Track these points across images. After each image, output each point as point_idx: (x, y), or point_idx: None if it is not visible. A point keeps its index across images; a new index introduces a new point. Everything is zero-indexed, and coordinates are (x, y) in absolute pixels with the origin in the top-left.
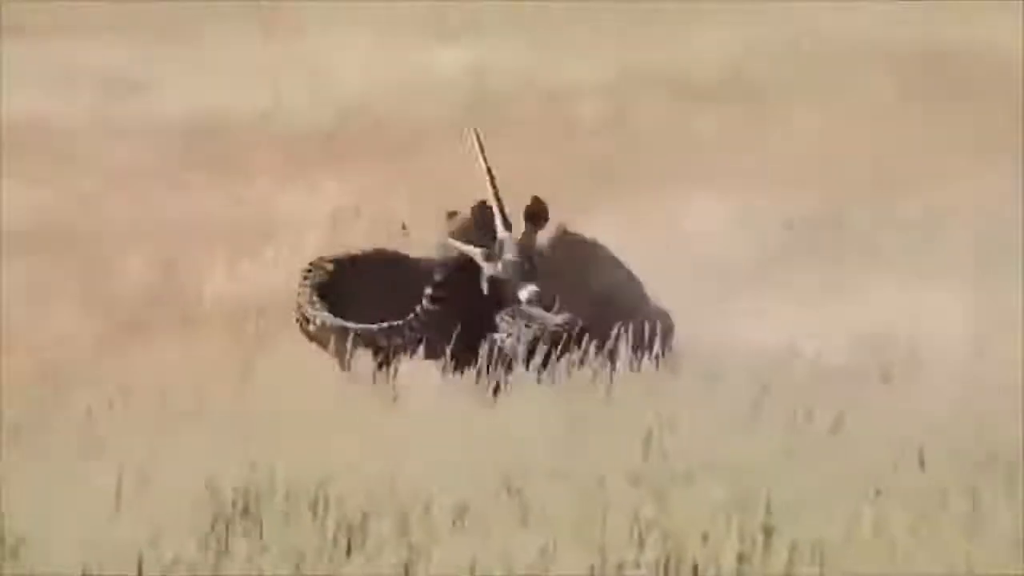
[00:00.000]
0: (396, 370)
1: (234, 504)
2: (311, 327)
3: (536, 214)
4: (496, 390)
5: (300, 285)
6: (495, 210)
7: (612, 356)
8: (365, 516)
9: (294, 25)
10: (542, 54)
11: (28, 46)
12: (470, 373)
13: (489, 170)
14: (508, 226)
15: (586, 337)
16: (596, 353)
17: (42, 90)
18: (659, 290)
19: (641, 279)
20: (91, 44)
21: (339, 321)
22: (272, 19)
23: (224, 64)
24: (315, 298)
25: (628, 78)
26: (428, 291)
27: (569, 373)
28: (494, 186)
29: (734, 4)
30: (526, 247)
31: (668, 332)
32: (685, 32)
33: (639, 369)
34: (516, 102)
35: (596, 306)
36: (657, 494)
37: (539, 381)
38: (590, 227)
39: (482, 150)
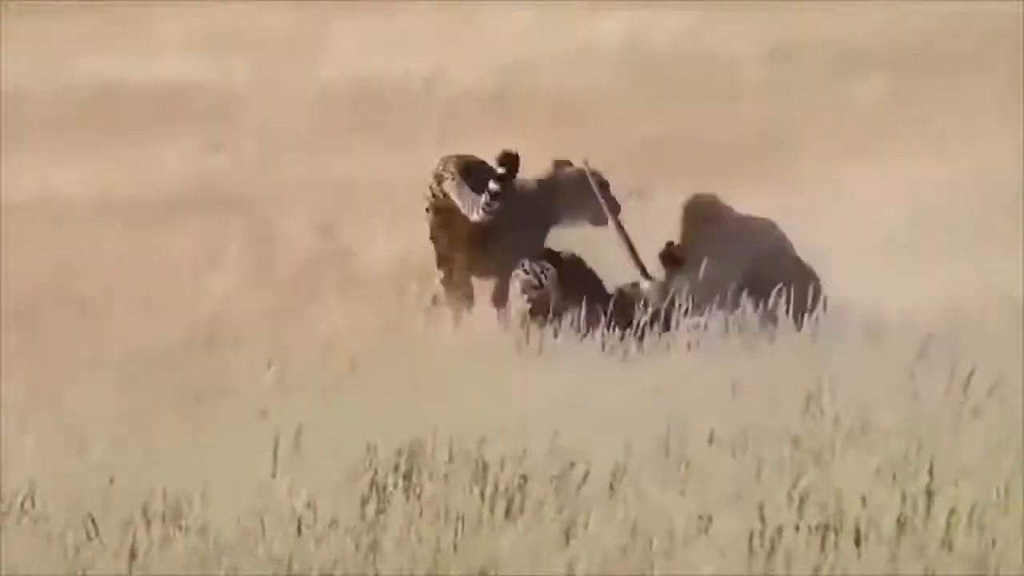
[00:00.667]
0: (556, 332)
1: (393, 467)
2: (443, 188)
3: (673, 258)
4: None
5: (436, 170)
6: (634, 262)
7: (772, 318)
8: (524, 479)
9: None
10: (702, 21)
11: (193, 11)
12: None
13: (620, 225)
14: (648, 276)
15: (744, 296)
16: (755, 314)
17: (206, 55)
18: (821, 253)
19: (804, 242)
20: (254, 8)
21: (466, 188)
22: None
23: (388, 30)
24: (452, 168)
25: (788, 44)
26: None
27: (731, 332)
28: (628, 241)
29: None
30: (664, 294)
31: (824, 295)
32: None
33: (799, 330)
34: (676, 68)
35: (754, 269)
36: (816, 457)
37: (690, 343)
38: (751, 191)
39: (606, 197)
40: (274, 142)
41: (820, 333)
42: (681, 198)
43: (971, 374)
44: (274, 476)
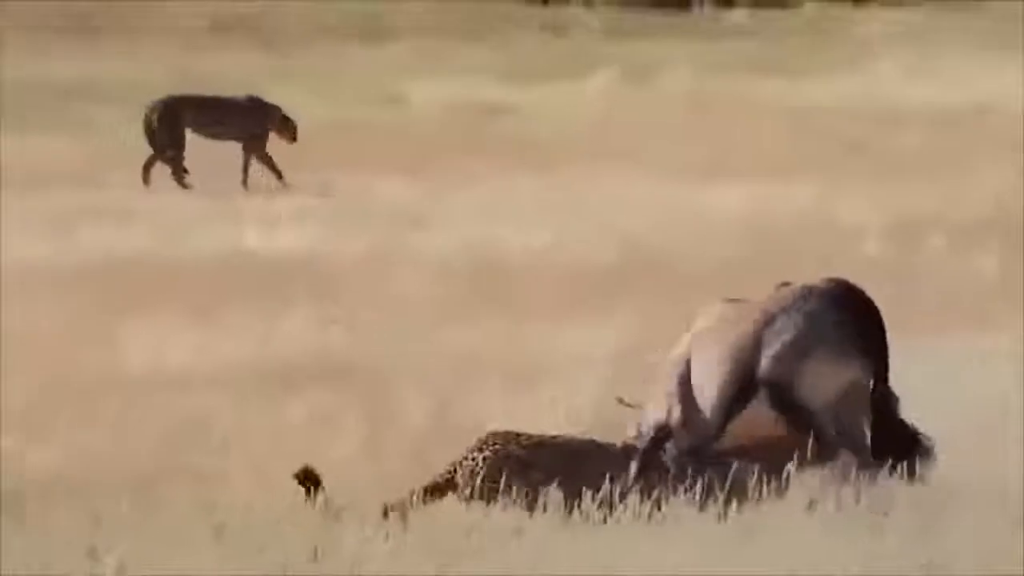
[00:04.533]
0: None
1: None
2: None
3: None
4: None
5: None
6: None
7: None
8: None
9: (574, 165)
10: (822, 194)
11: (308, 183)
12: None
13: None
14: None
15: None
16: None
17: (324, 226)
18: (932, 431)
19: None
20: (370, 180)
21: None
22: (550, 161)
23: (506, 201)
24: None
25: (909, 219)
26: None
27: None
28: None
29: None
30: None
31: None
32: (958, 174)
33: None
34: (797, 240)
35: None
36: None
37: None
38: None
39: None
40: (389, 310)
41: (933, 511)
42: None
43: None
44: None
